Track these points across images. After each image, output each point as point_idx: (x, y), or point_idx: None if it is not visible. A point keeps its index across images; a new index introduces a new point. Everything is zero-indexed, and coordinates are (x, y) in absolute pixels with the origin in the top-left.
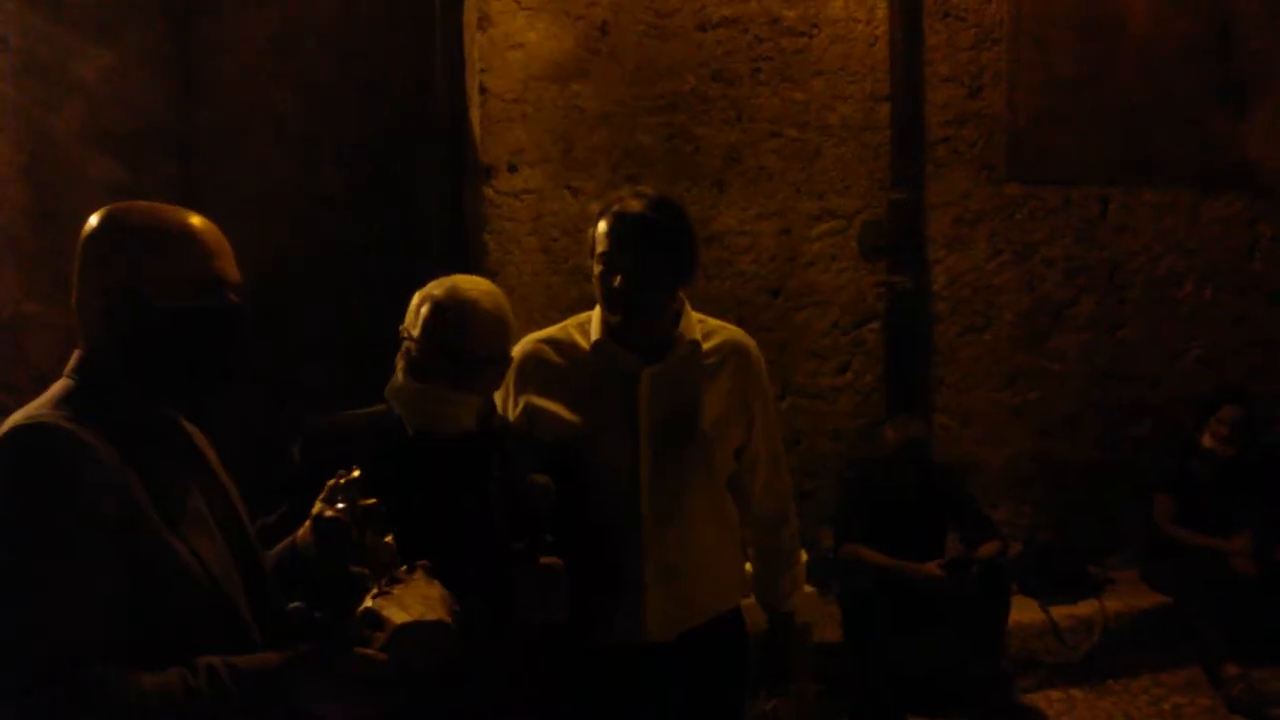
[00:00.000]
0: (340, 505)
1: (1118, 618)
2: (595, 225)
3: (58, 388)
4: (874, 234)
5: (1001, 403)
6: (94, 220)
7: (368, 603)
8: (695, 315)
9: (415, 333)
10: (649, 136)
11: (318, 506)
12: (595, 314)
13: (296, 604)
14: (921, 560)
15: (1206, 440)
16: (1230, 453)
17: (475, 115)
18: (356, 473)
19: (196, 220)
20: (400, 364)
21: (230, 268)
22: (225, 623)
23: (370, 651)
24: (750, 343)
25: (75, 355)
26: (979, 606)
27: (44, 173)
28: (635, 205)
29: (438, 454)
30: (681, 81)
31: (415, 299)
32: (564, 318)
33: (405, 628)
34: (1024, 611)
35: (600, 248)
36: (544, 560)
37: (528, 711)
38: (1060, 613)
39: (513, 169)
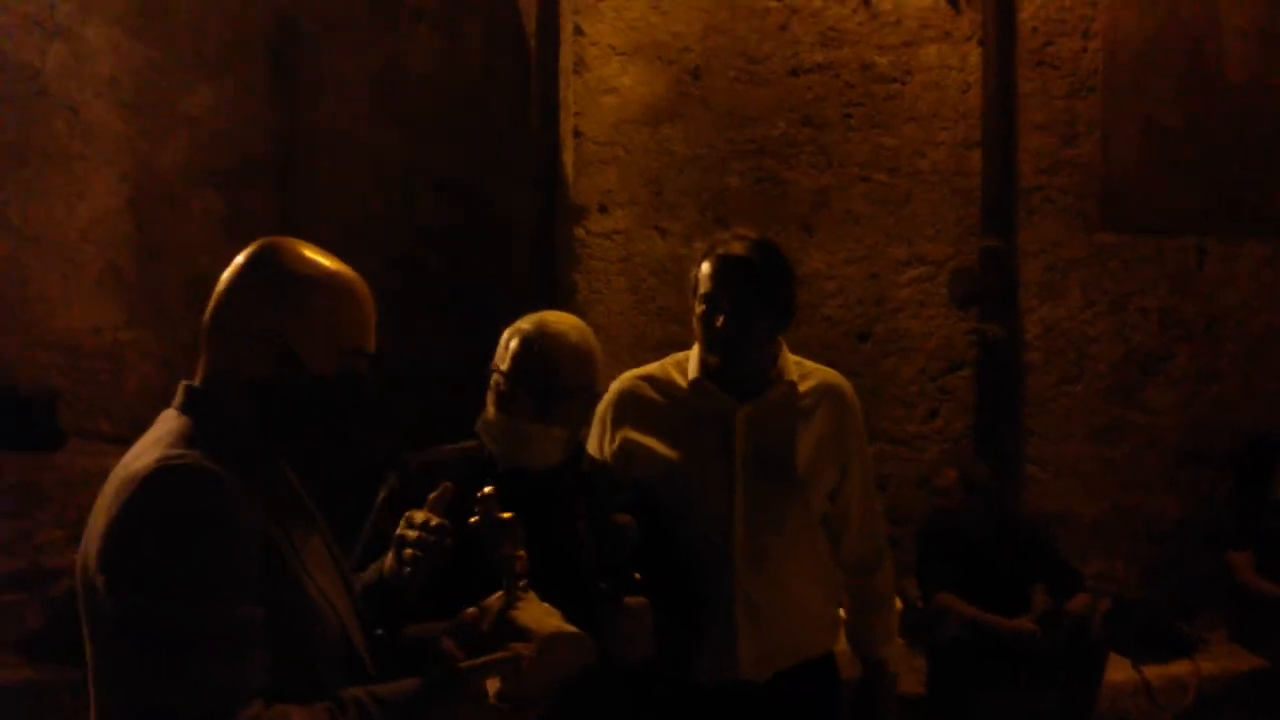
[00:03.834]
0: (475, 518)
1: (1212, 680)
2: (698, 266)
3: (177, 425)
4: (965, 281)
5: (1093, 455)
6: (254, 255)
7: (492, 606)
8: (792, 358)
9: (504, 367)
10: (738, 179)
11: (421, 516)
12: (694, 353)
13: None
14: (1008, 613)
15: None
16: None
17: (568, 157)
18: (490, 489)
19: (356, 282)
20: (490, 398)
21: (373, 337)
22: (348, 660)
23: (520, 651)
24: (846, 386)
25: (184, 388)
26: (1072, 662)
27: (148, 204)
28: (738, 247)
29: (527, 489)
30: (771, 126)
31: (505, 334)
32: (651, 357)
33: (554, 637)
34: (1115, 670)
35: (702, 288)
36: (629, 600)
37: None
38: (1152, 672)
39: (603, 210)
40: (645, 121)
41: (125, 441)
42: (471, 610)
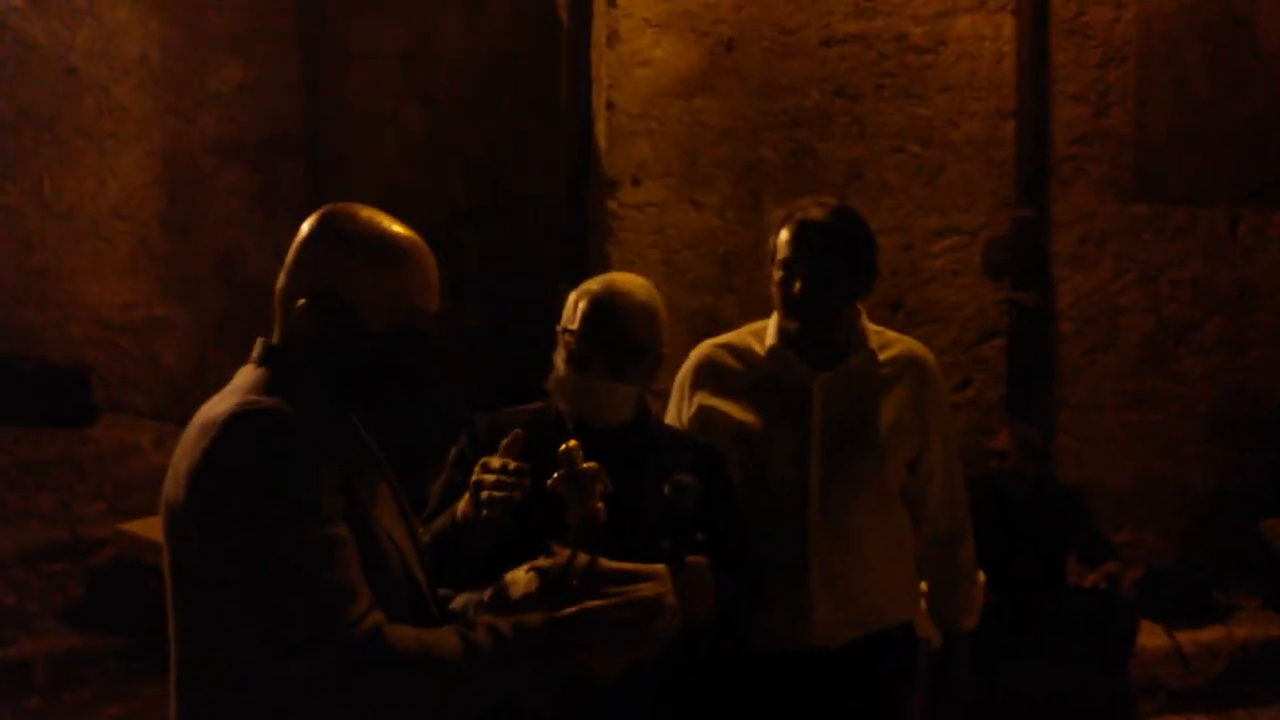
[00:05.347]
0: (558, 474)
1: (1245, 646)
2: (776, 233)
3: (253, 376)
4: (998, 251)
5: (1125, 424)
6: (316, 220)
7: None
8: (872, 327)
9: (574, 327)
10: (771, 151)
11: (497, 461)
12: (772, 321)
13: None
14: (1040, 580)
15: None
16: None
17: (601, 129)
18: (574, 443)
19: (416, 245)
20: (560, 357)
21: (435, 299)
22: (415, 608)
23: (659, 592)
24: (929, 355)
25: (261, 343)
26: (1105, 625)
27: (178, 181)
28: (817, 213)
29: (595, 447)
30: (805, 97)
31: (572, 296)
32: (683, 329)
33: (688, 567)
34: (1147, 636)
35: (781, 254)
36: (691, 559)
37: (680, 713)
38: (1185, 638)
39: (636, 182)
40: (679, 94)
41: (160, 416)
42: (552, 563)
